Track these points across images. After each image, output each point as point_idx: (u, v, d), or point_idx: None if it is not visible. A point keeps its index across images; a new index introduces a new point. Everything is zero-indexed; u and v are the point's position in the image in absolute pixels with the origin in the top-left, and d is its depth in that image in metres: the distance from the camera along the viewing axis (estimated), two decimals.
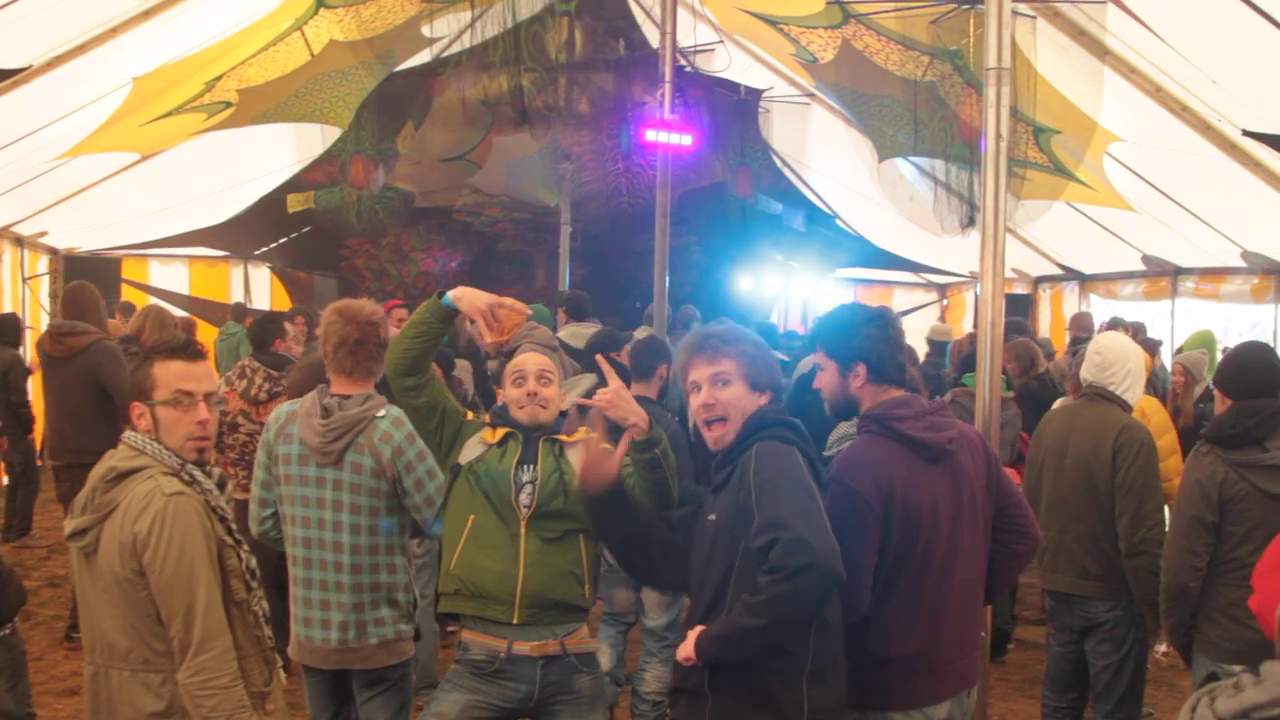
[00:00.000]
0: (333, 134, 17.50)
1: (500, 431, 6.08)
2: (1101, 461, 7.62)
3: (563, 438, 6.08)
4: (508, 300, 6.20)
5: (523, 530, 5.86)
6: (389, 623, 6.34)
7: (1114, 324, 15.98)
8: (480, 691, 5.87)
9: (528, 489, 5.90)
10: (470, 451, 6.04)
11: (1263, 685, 2.30)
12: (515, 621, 5.84)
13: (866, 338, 5.39)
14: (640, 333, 13.28)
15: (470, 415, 6.24)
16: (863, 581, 5.09)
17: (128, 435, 4.74)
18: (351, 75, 15.83)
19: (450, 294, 6.13)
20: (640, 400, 8.22)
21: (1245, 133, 11.56)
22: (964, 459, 5.47)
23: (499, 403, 6.33)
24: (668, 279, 13.25)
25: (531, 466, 5.97)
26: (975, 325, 7.91)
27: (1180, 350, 13.96)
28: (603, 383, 5.75)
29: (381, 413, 6.36)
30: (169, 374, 4.83)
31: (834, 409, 5.58)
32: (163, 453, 4.72)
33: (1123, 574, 7.59)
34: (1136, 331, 15.24)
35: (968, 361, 10.04)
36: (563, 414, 6.24)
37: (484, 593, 5.87)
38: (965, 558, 5.41)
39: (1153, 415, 10.52)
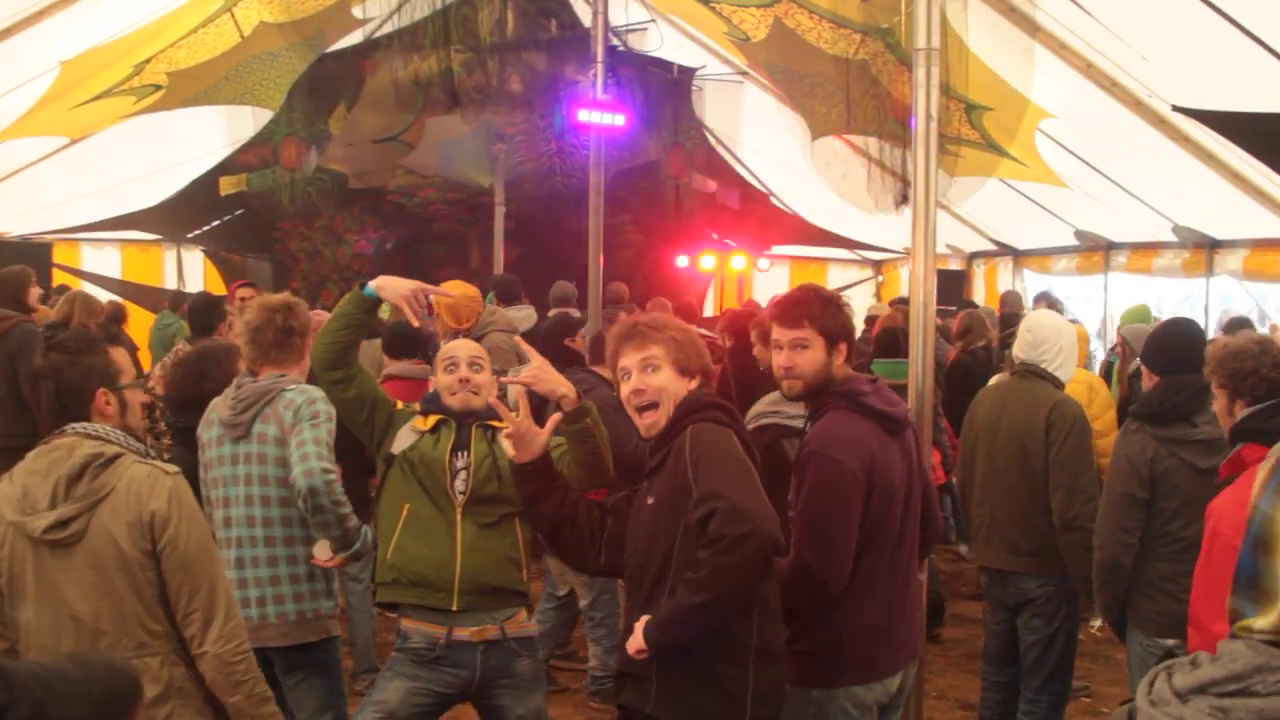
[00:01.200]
0: (264, 116, 17.40)
1: (432, 419, 6.07)
2: (1034, 438, 7.65)
3: (494, 423, 6.06)
4: (429, 286, 6.20)
5: (458, 517, 5.88)
6: (307, 598, 6.23)
7: (1040, 300, 16.11)
8: (421, 678, 5.86)
9: (462, 475, 5.92)
10: (403, 440, 6.03)
11: (1219, 661, 2.31)
12: (454, 608, 5.84)
13: (849, 319, 5.61)
14: (551, 313, 13.31)
15: (400, 405, 6.23)
16: (849, 552, 5.18)
17: (87, 426, 4.67)
18: (282, 57, 15.74)
19: (372, 283, 6.11)
20: (594, 376, 8.34)
21: (1175, 108, 11.64)
22: (911, 433, 5.65)
23: (430, 389, 6.33)
24: (602, 258, 13.23)
25: (465, 453, 5.98)
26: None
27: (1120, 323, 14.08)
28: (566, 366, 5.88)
29: (292, 386, 6.30)
30: (124, 359, 4.82)
31: (810, 387, 5.55)
32: (128, 439, 4.69)
33: (1055, 550, 7.63)
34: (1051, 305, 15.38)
35: (879, 345, 10.03)
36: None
37: (422, 581, 5.87)
38: (913, 531, 5.53)
39: (1099, 390, 10.59)
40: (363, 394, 6.08)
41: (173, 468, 4.68)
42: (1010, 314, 15.15)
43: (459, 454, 5.97)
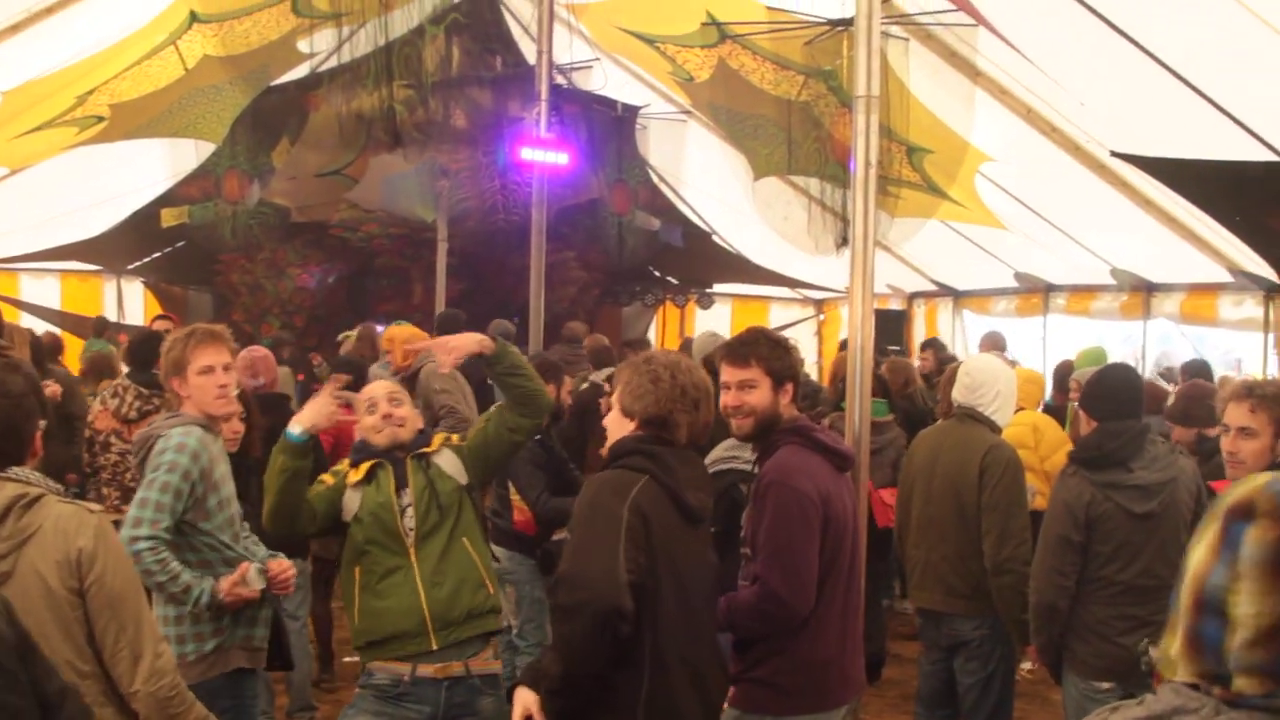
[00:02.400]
0: (207, 149, 17.35)
1: (364, 467, 6.04)
2: (968, 481, 7.71)
3: (427, 450, 6.10)
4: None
5: (413, 557, 5.85)
6: (190, 639, 5.91)
7: (985, 341, 16.21)
8: (385, 714, 5.81)
9: (409, 512, 5.89)
10: (350, 504, 6.00)
11: (1145, 703, 2.37)
12: (436, 648, 5.81)
13: (796, 360, 5.61)
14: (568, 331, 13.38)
15: (329, 479, 6.15)
16: (814, 578, 5.21)
17: (16, 470, 4.62)
18: (226, 91, 15.70)
19: (294, 427, 6.03)
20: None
21: (1113, 153, 11.74)
22: (853, 472, 5.66)
23: (357, 439, 6.31)
24: (544, 295, 13.25)
25: (406, 490, 5.95)
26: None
27: (1072, 366, 14.16)
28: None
29: (168, 431, 5.96)
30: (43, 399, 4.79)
31: (760, 426, 5.56)
32: (46, 481, 4.65)
33: (989, 592, 7.68)
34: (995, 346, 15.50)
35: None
36: (421, 431, 6.29)
37: (396, 634, 5.81)
38: (859, 567, 5.58)
39: (1045, 431, 10.65)
40: (325, 524, 6.07)
41: (96, 506, 4.63)
42: (947, 357, 15.23)
43: (401, 492, 5.93)
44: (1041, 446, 10.08)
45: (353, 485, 6.00)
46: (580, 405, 10.73)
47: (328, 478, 6.12)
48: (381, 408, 6.12)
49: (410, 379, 11.69)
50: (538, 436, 9.53)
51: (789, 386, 5.49)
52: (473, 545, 5.99)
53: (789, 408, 5.52)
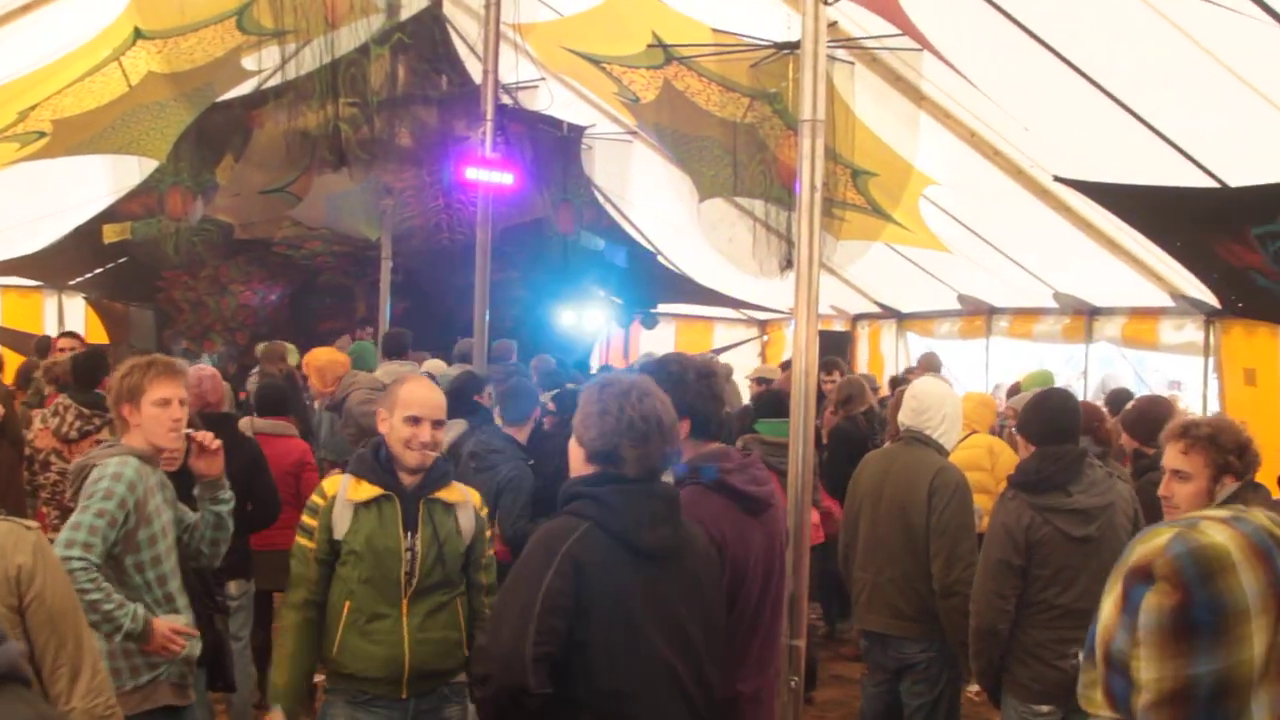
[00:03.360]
0: (150, 165, 17.23)
1: (370, 490, 5.80)
2: (916, 504, 7.73)
3: (442, 495, 5.95)
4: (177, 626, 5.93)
5: (405, 608, 5.74)
6: (126, 674, 5.80)
7: (921, 362, 16.27)
8: (357, 719, 5.78)
9: (408, 558, 5.74)
10: (342, 521, 5.76)
11: None
12: (404, 697, 5.78)
13: (696, 394, 5.33)
14: (454, 369, 13.30)
15: (329, 490, 5.88)
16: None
17: None
18: (170, 107, 15.61)
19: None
20: (512, 444, 8.17)
21: (1056, 178, 11.80)
22: (776, 511, 5.53)
23: (361, 447, 6.10)
24: (489, 314, 13.22)
25: (412, 534, 5.77)
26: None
27: (1016, 389, 14.24)
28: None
29: (104, 460, 5.88)
30: None
31: None
32: None
33: (936, 615, 7.70)
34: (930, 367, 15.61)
35: (764, 406, 10.00)
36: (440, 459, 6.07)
37: (371, 677, 5.73)
38: (774, 608, 5.47)
39: (1000, 454, 10.69)
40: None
41: (34, 523, 4.58)
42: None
43: (407, 534, 5.76)
44: (997, 469, 10.12)
45: (348, 500, 5.79)
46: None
47: (310, 520, 5.81)
48: (425, 432, 5.87)
49: (336, 407, 11.66)
50: (530, 461, 9.52)
51: (682, 423, 5.21)
52: (461, 603, 5.93)
53: (687, 444, 5.33)
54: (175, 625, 5.77)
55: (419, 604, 5.75)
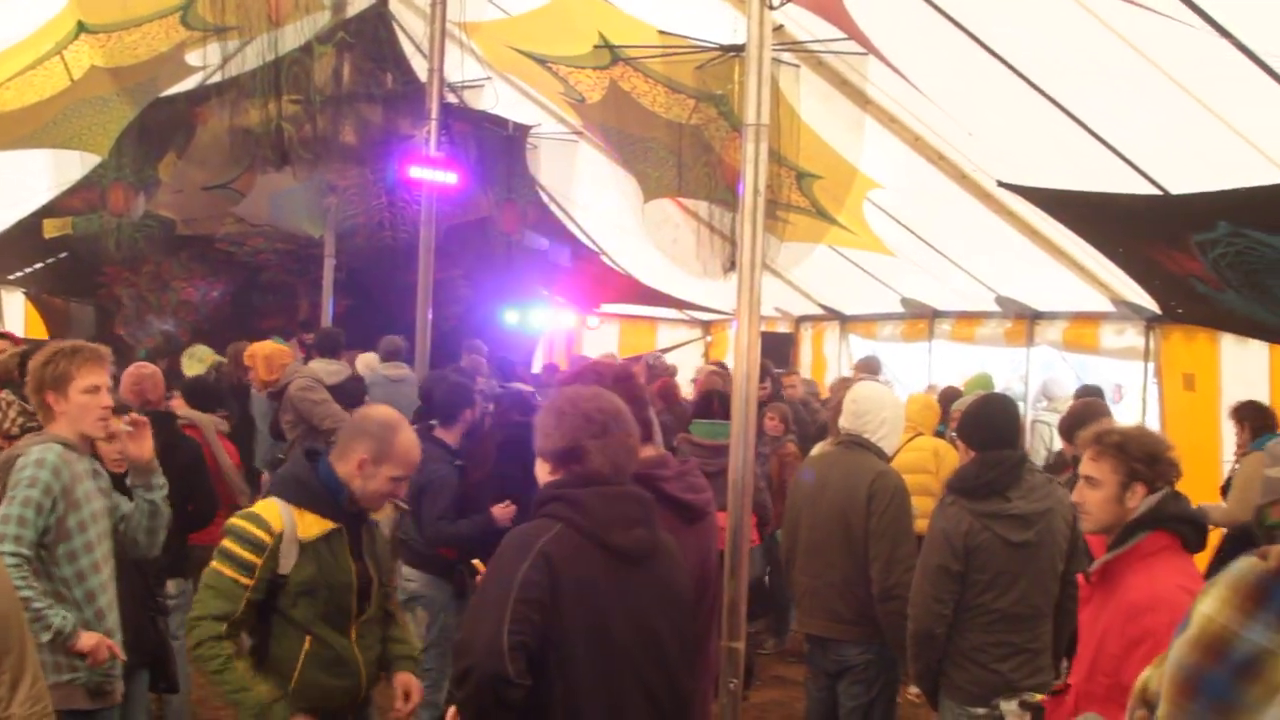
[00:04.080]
0: (92, 160, 17.10)
1: (321, 524, 5.59)
2: (855, 508, 7.75)
3: (377, 516, 5.94)
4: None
5: (354, 635, 5.67)
6: (50, 668, 5.62)
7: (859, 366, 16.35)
8: None
9: (358, 587, 5.67)
10: (288, 559, 5.50)
11: None
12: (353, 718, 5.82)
13: (635, 394, 5.34)
14: (388, 367, 13.33)
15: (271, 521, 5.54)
16: None
17: None
18: (113, 102, 15.48)
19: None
20: (440, 446, 8.10)
21: (1000, 183, 11.85)
22: (711, 520, 5.53)
23: (301, 468, 5.74)
24: (432, 313, 13.21)
25: (359, 562, 5.71)
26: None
27: (951, 394, 14.30)
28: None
29: (28, 449, 5.83)
30: None
31: None
32: None
33: (875, 619, 7.73)
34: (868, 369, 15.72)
35: (698, 407, 9.99)
36: None
37: (332, 708, 5.67)
38: (705, 614, 5.47)
39: (945, 457, 10.73)
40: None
41: None
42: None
43: (355, 563, 5.67)
44: (942, 471, 10.17)
45: (298, 537, 5.51)
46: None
47: (249, 554, 5.43)
48: (402, 490, 5.85)
49: (277, 394, 11.68)
50: (458, 462, 9.54)
51: None
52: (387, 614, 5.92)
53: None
54: (108, 642, 5.74)
55: (363, 627, 5.71)
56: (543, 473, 4.81)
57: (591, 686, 4.53)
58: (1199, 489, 11.18)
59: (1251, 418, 11.12)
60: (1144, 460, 5.33)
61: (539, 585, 4.42)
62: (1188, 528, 5.28)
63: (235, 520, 5.52)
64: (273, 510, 5.50)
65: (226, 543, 5.44)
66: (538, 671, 4.43)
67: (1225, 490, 11.26)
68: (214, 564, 5.43)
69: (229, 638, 5.42)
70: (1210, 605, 2.34)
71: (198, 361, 15.30)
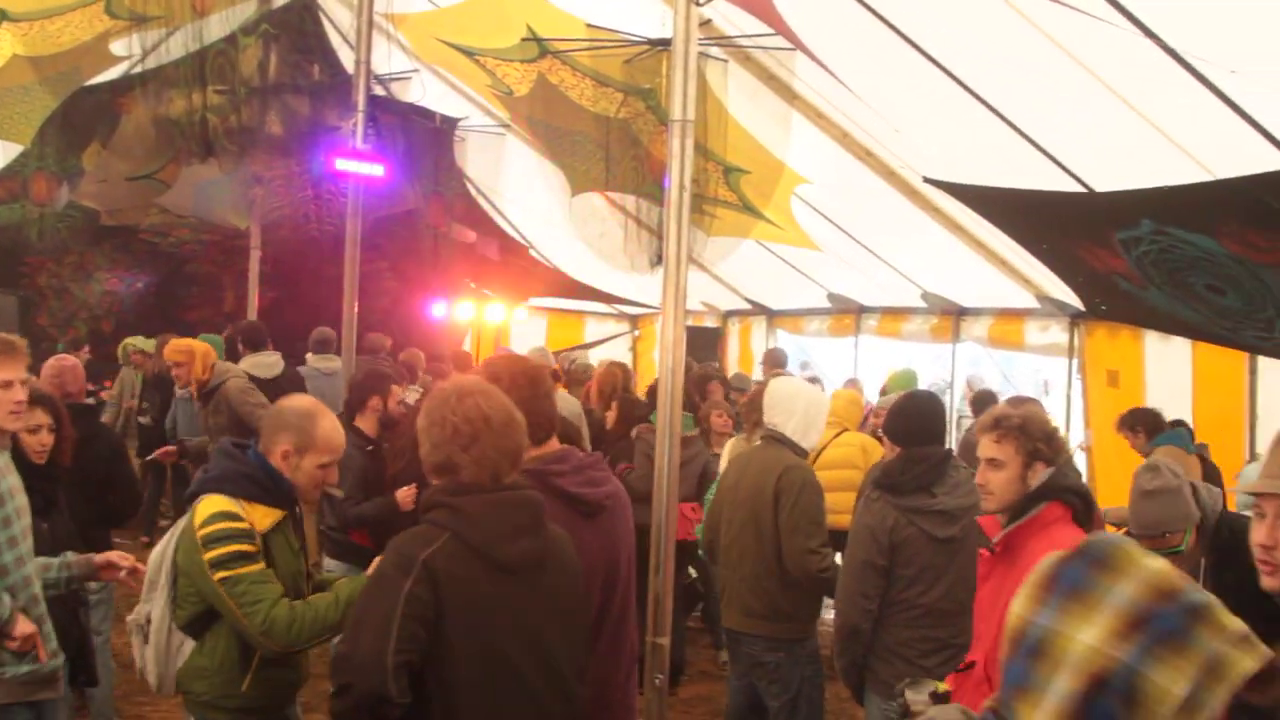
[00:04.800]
0: (14, 149, 16.92)
1: (273, 514, 5.62)
2: (765, 503, 7.82)
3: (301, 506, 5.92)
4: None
5: None
6: None
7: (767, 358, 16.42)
8: None
9: (302, 574, 5.69)
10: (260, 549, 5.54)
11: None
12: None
13: (523, 397, 5.17)
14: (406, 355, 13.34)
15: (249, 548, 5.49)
16: None
17: None
18: (35, 91, 15.31)
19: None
20: (351, 432, 8.10)
21: (925, 179, 11.88)
22: (618, 513, 5.50)
23: (240, 461, 5.71)
24: (358, 305, 13.14)
25: (303, 548, 5.76)
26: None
27: (887, 388, 14.36)
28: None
29: None
30: None
31: None
32: None
33: (785, 614, 7.83)
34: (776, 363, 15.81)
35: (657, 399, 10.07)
36: None
37: (278, 702, 5.71)
38: (617, 610, 5.43)
39: (874, 453, 10.77)
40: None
41: None
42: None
43: (300, 551, 5.72)
44: (869, 467, 10.20)
45: (262, 529, 5.55)
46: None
47: (248, 546, 5.46)
48: (333, 476, 5.84)
49: (207, 395, 11.54)
50: (369, 447, 9.60)
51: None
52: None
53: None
54: (30, 636, 5.68)
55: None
56: (429, 477, 4.79)
57: (474, 701, 4.47)
58: (1125, 485, 11.29)
59: (1144, 422, 11.24)
60: (1044, 439, 5.52)
61: (425, 602, 4.37)
62: (1079, 500, 5.52)
63: (213, 526, 5.42)
64: (228, 505, 5.48)
65: (219, 550, 5.36)
66: (415, 690, 4.39)
67: None
68: (228, 573, 5.34)
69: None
70: (1017, 603, 2.47)
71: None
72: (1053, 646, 2.31)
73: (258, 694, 5.55)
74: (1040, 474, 5.51)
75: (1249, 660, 2.24)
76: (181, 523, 5.65)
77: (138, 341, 16.14)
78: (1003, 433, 5.58)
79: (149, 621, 5.66)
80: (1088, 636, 2.26)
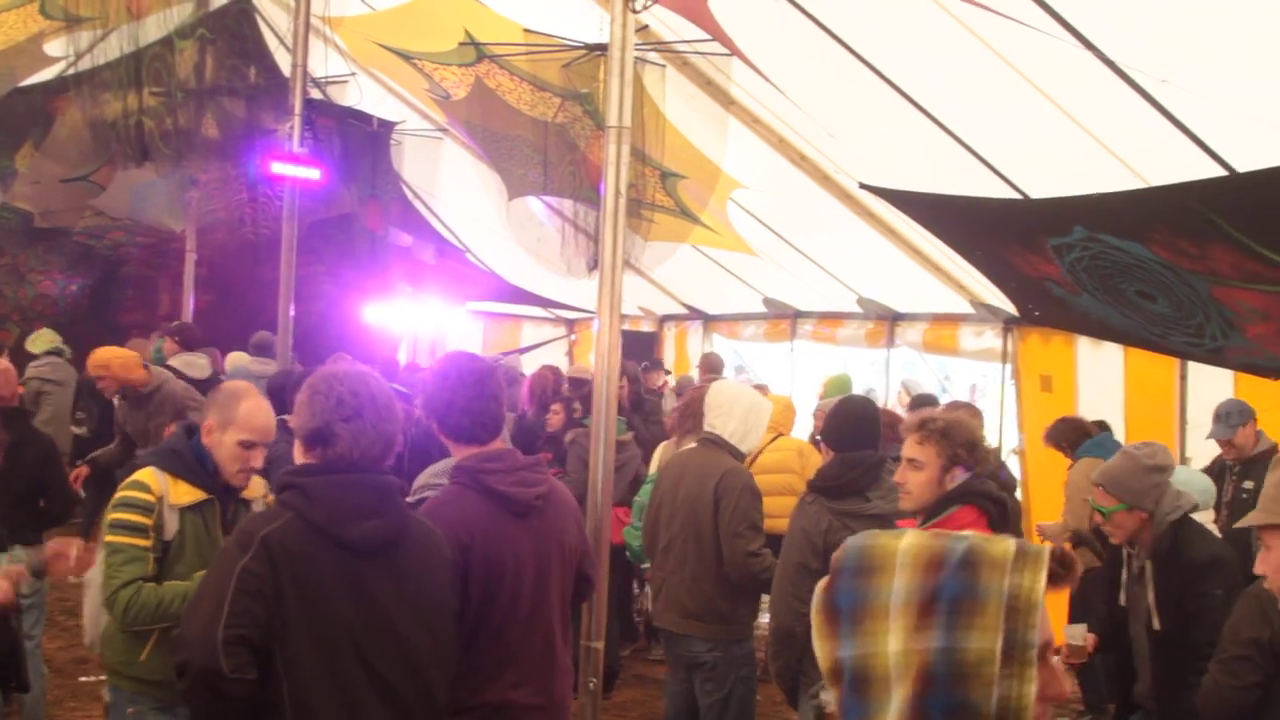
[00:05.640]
0: None
1: (193, 493, 5.73)
2: (704, 506, 7.85)
3: (246, 494, 6.01)
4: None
5: None
6: None
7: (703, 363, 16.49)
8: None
9: None
10: (170, 525, 5.67)
11: None
12: None
13: (469, 395, 5.42)
14: (255, 362, 13.26)
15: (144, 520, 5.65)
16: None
17: None
18: None
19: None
20: (286, 430, 8.23)
21: (861, 185, 11.92)
22: (552, 515, 5.53)
23: (178, 440, 5.90)
24: (294, 309, 13.11)
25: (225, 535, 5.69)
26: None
27: (823, 393, 14.41)
28: None
29: None
30: None
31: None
32: None
33: (722, 616, 7.86)
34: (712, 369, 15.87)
35: (590, 402, 10.07)
36: None
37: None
38: (548, 611, 5.46)
39: (809, 456, 10.80)
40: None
41: None
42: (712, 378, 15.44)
43: (224, 537, 5.67)
44: (806, 470, 10.22)
45: (173, 504, 5.67)
46: None
47: (141, 518, 5.60)
48: (257, 459, 5.89)
49: (147, 398, 11.45)
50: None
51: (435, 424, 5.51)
52: None
53: (450, 445, 5.51)
54: None
55: None
56: (296, 454, 4.80)
57: (321, 684, 4.50)
58: (1057, 489, 11.38)
59: (1068, 436, 11.28)
60: (965, 446, 5.61)
61: (260, 576, 4.39)
62: (994, 506, 5.62)
63: (125, 492, 5.63)
64: (150, 476, 5.66)
65: (117, 514, 5.57)
66: (265, 668, 4.41)
67: None
68: (110, 537, 5.52)
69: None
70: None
71: (45, 343, 15.20)
72: (869, 670, 2.30)
73: (154, 667, 5.63)
74: (957, 478, 5.62)
75: (1033, 575, 2.23)
76: None
77: (44, 335, 16.07)
78: (925, 435, 5.70)
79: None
80: (893, 645, 2.27)
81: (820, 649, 2.39)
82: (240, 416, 5.76)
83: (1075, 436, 11.17)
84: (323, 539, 4.53)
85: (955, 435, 5.68)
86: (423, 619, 4.75)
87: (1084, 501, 9.59)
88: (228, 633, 4.30)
